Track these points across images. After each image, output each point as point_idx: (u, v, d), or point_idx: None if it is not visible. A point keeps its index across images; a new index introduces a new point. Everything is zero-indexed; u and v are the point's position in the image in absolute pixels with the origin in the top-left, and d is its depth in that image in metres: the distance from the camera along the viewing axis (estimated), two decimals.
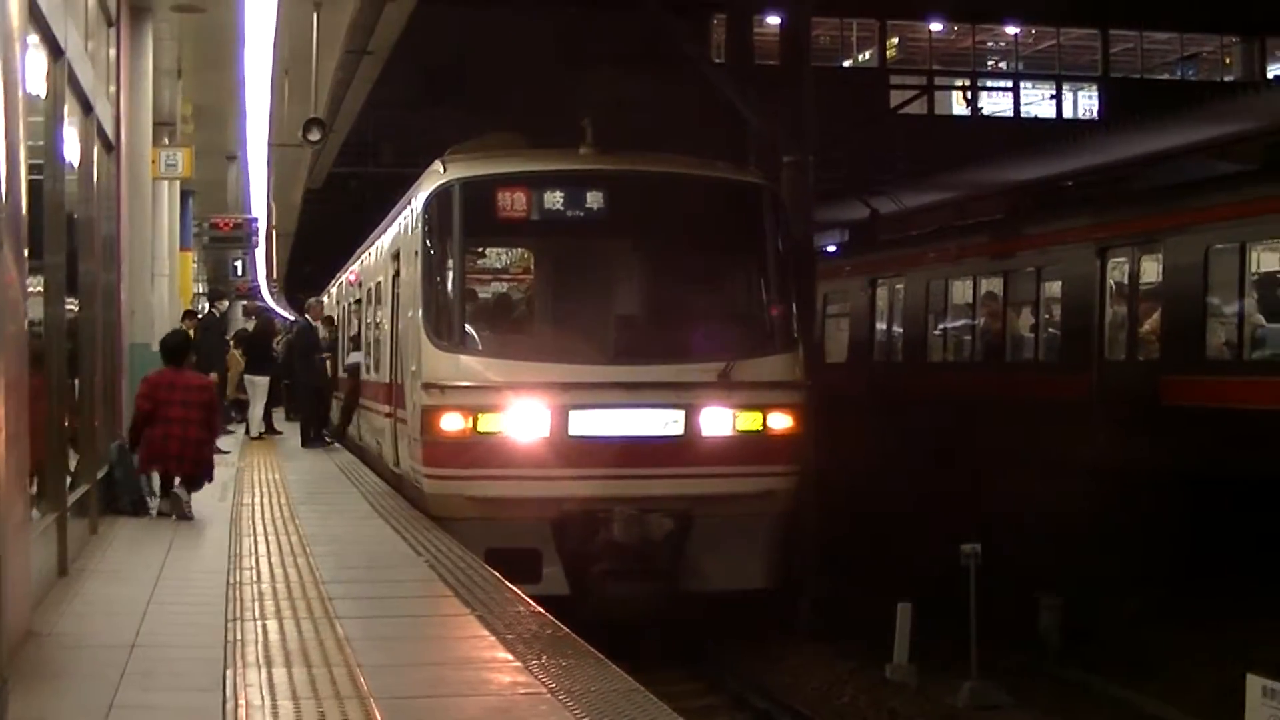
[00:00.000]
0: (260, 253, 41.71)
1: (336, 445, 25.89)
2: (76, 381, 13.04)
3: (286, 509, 16.16)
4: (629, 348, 15.92)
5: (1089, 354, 20.33)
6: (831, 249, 34.51)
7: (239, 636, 9.11)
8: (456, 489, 15.42)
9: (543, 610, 10.24)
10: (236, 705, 7.41)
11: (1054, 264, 21.71)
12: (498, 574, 11.87)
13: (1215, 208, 18.42)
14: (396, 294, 18.80)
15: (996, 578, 15.97)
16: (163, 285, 21.36)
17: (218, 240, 33.26)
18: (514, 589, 11.19)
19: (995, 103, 59.87)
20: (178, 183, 23.98)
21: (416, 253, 16.48)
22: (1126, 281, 19.95)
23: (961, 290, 25.03)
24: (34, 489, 9.65)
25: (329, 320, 29.10)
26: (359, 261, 26.53)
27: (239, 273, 44.35)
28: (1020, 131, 52.06)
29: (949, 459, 22.15)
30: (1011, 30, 60.07)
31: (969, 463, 21.53)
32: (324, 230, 50.30)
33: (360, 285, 25.46)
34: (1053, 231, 22.00)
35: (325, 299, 32.02)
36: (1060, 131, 46.88)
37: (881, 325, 27.75)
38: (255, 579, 11.39)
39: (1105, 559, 17.96)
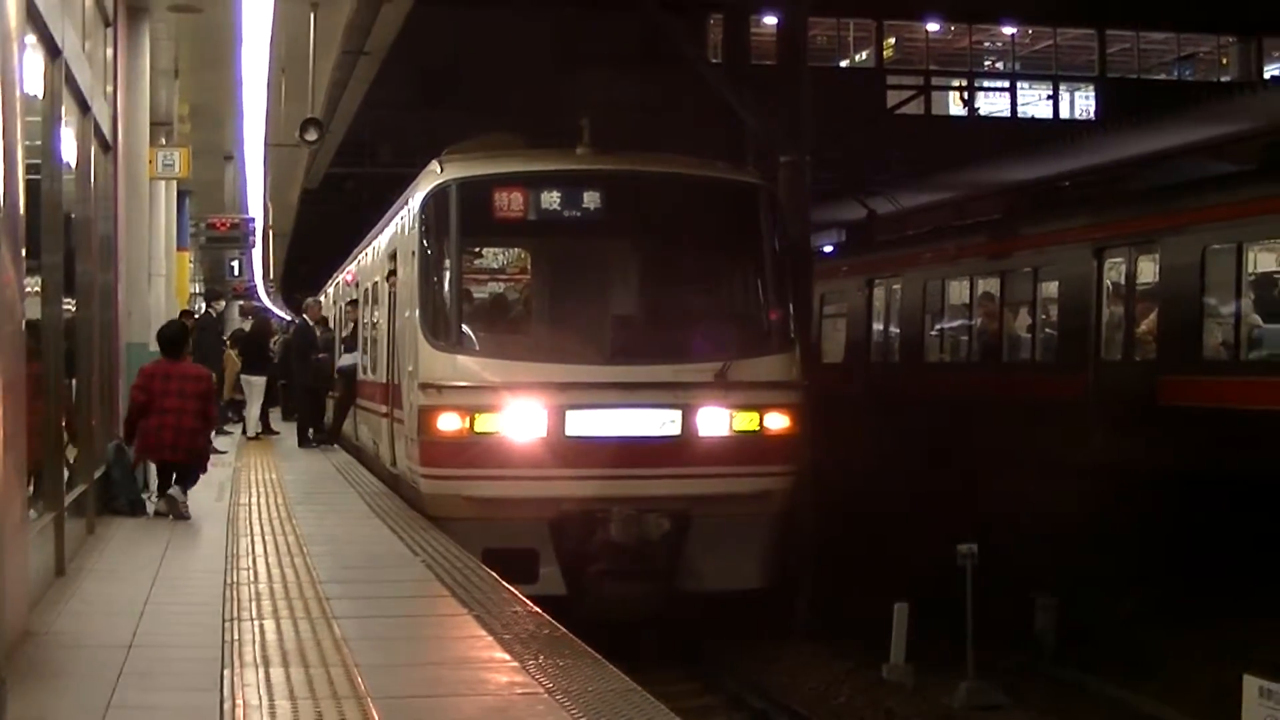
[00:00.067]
0: (257, 253, 41.68)
1: (333, 446, 25.86)
2: (74, 381, 13.04)
3: (284, 509, 16.16)
4: (626, 348, 15.91)
5: (1086, 354, 20.33)
6: (828, 249, 34.55)
7: (236, 636, 9.12)
8: (453, 489, 15.42)
9: (540, 610, 10.24)
10: (234, 705, 7.41)
11: (1051, 264, 21.71)
12: (495, 574, 11.87)
13: (1212, 208, 18.43)
14: (393, 294, 18.81)
15: (993, 578, 15.97)
16: (160, 285, 21.34)
17: (215, 240, 33.22)
18: (511, 589, 11.20)
19: (992, 103, 59.86)
20: (175, 183, 23.95)
21: (413, 253, 16.48)
22: (1123, 282, 19.95)
23: (958, 290, 25.04)
24: (31, 489, 9.65)
25: (324, 321, 29.08)
26: (356, 262, 26.52)
27: (236, 273, 44.30)
28: (1017, 132, 52.08)
29: (946, 459, 22.16)
30: (1008, 30, 60.07)
31: (966, 463, 21.54)
32: (321, 230, 50.29)
33: (357, 285, 25.46)
34: (1049, 232, 22.00)
35: (322, 299, 31.99)
36: (1057, 132, 46.91)
37: (878, 326, 27.77)
38: (253, 579, 11.39)
39: (1102, 559, 17.97)
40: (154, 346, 16.42)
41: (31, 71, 10.03)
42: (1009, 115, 58.67)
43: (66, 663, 8.68)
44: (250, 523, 14.88)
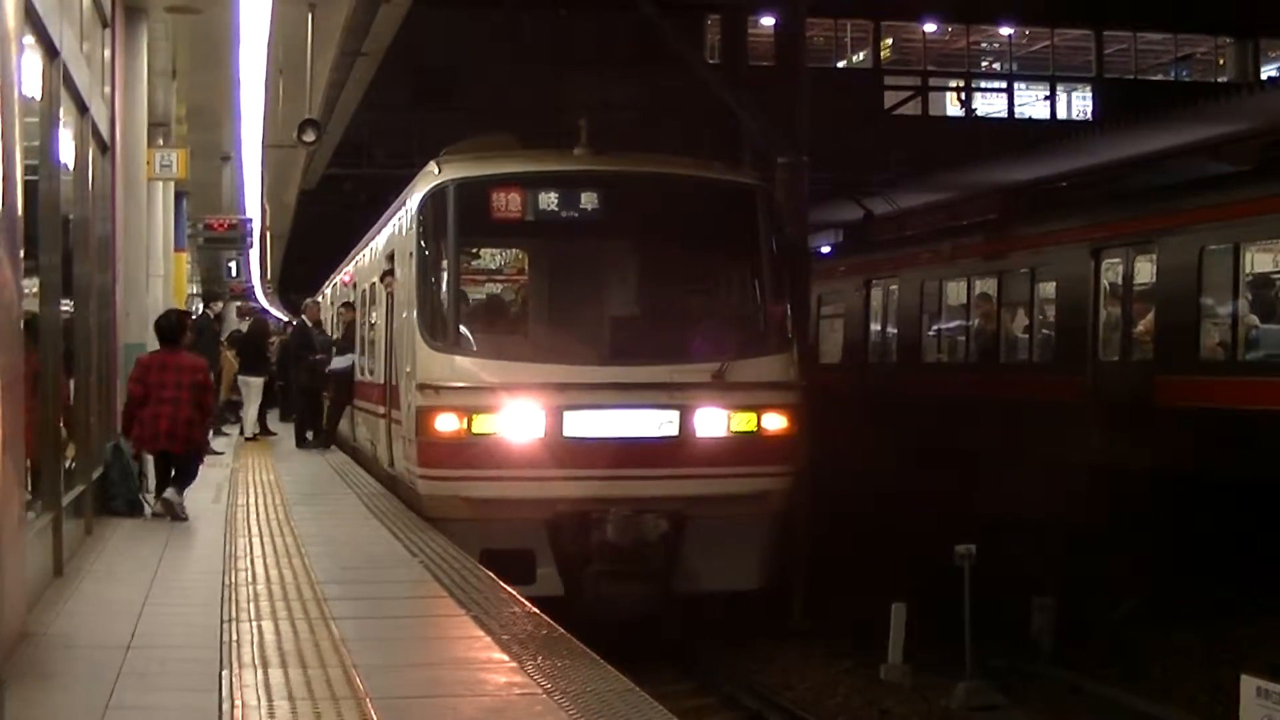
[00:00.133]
0: (254, 254, 41.71)
1: (329, 447, 25.83)
2: (72, 382, 13.04)
3: (281, 510, 16.16)
4: (623, 348, 15.91)
5: (1083, 355, 20.35)
6: (826, 250, 34.56)
7: (235, 637, 9.12)
8: (451, 490, 15.43)
9: (538, 611, 10.25)
10: (233, 706, 7.41)
11: (1048, 265, 21.73)
12: (492, 574, 11.88)
13: (1209, 209, 18.45)
14: (391, 295, 18.83)
15: (991, 578, 15.97)
16: (157, 286, 21.32)
17: (212, 241, 33.24)
18: (509, 589, 11.20)
19: (989, 103, 59.92)
20: (172, 183, 23.95)
21: (411, 253, 16.48)
22: (1120, 282, 19.98)
23: (956, 291, 25.06)
24: (29, 489, 9.65)
25: (321, 322, 29.06)
26: (353, 263, 26.53)
27: (233, 274, 44.30)
28: (1014, 132, 52.16)
29: (943, 459, 22.17)
30: (1006, 31, 60.14)
31: (963, 463, 21.54)
32: (318, 231, 50.26)
33: (355, 287, 25.46)
34: (1047, 232, 22.02)
35: (320, 300, 31.99)
36: (1054, 132, 46.95)
37: (876, 326, 27.79)
38: (250, 580, 11.39)
39: (1099, 559, 17.98)
40: (152, 347, 16.40)
41: (30, 72, 10.04)
42: (1006, 116, 58.74)
43: (65, 664, 8.68)
44: (248, 524, 14.87)
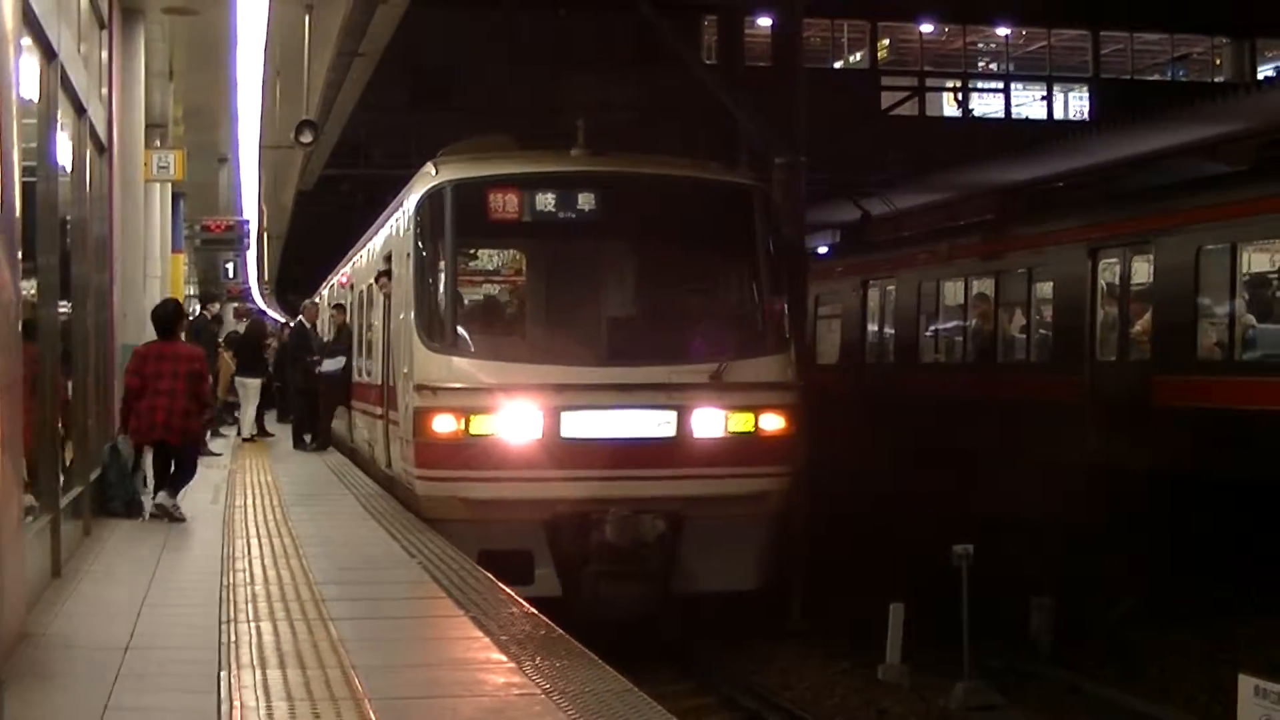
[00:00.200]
0: (251, 255, 41.69)
1: (327, 449, 25.82)
2: (69, 383, 13.04)
3: (279, 511, 16.16)
4: (621, 349, 15.91)
5: (1081, 355, 20.35)
6: (823, 250, 34.58)
7: (233, 638, 9.12)
8: (449, 491, 15.43)
9: (536, 611, 10.25)
10: (231, 707, 7.41)
11: (1045, 265, 21.74)
12: (491, 575, 11.88)
13: (1206, 209, 18.45)
14: (386, 296, 18.85)
15: (989, 579, 15.98)
16: (154, 287, 21.32)
17: (209, 242, 33.24)
18: (507, 590, 11.21)
19: (986, 104, 59.95)
20: (169, 185, 23.95)
21: (409, 254, 16.49)
22: (1118, 282, 19.98)
23: (953, 291, 25.06)
24: (28, 490, 9.65)
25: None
26: (350, 264, 26.52)
27: (230, 275, 44.31)
28: (1011, 132, 52.19)
29: (941, 460, 22.17)
30: (1002, 31, 60.16)
31: (961, 463, 21.55)
32: (315, 232, 50.29)
33: (352, 288, 25.46)
34: (1044, 232, 22.03)
35: (318, 301, 31.98)
36: (1051, 132, 46.99)
37: (873, 327, 27.79)
38: (249, 581, 11.39)
39: (1097, 559, 17.99)
40: None
41: (27, 74, 10.04)
42: (1003, 116, 58.78)
43: (63, 664, 8.68)
44: (246, 525, 14.87)
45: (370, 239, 22.34)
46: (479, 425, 15.20)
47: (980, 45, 61.96)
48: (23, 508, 9.13)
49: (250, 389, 26.97)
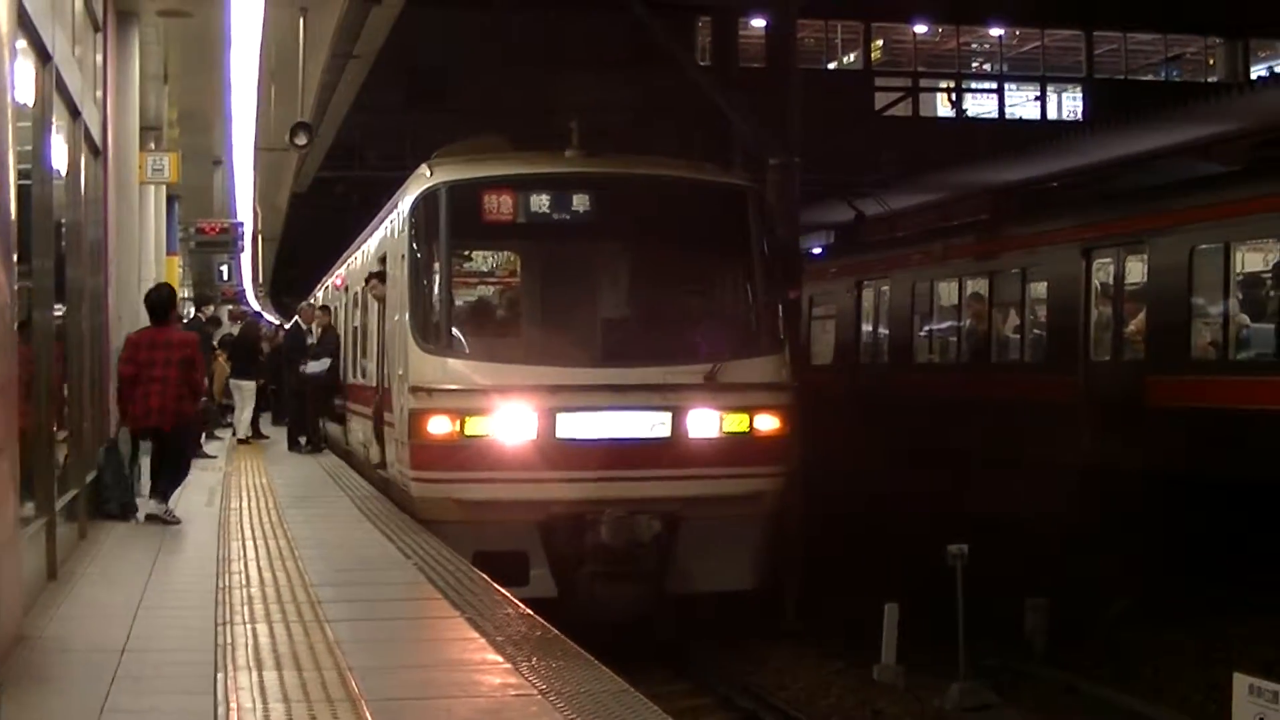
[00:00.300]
0: (246, 257, 41.66)
1: (322, 450, 25.82)
2: (65, 385, 13.04)
3: (274, 513, 16.16)
4: (616, 350, 15.92)
5: (1075, 355, 20.38)
6: (817, 251, 34.58)
7: (229, 640, 9.12)
8: (444, 492, 15.44)
9: (532, 612, 10.26)
10: (228, 709, 7.42)
11: (1039, 265, 21.76)
12: (486, 576, 11.88)
13: (1200, 208, 18.48)
14: (379, 299, 18.86)
15: (983, 579, 16.00)
16: None
17: (204, 245, 33.17)
18: (503, 591, 11.22)
19: (980, 104, 59.96)
20: (164, 187, 23.95)
21: (403, 256, 16.50)
22: (1112, 282, 20.01)
23: (947, 292, 25.08)
24: (23, 493, 9.66)
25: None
26: (345, 266, 26.52)
27: (225, 277, 44.29)
28: (1005, 133, 52.14)
29: (935, 460, 22.19)
30: (996, 32, 60.15)
31: (955, 464, 21.57)
32: (310, 234, 50.23)
33: (347, 289, 25.46)
34: (1038, 233, 22.06)
35: (314, 302, 31.97)
36: (1045, 133, 46.94)
37: (867, 327, 27.81)
38: (244, 583, 11.39)
39: (1092, 559, 18.01)
40: None
41: (22, 77, 10.05)
42: (997, 116, 58.75)
43: (60, 667, 8.69)
44: (241, 527, 14.88)
45: (365, 241, 22.34)
46: (474, 427, 15.21)
47: (974, 46, 61.94)
48: (18, 511, 9.13)
49: (245, 391, 26.97)
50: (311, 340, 26.50)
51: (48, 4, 10.95)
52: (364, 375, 21.30)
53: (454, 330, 16.06)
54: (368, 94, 31.99)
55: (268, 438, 28.15)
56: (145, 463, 15.78)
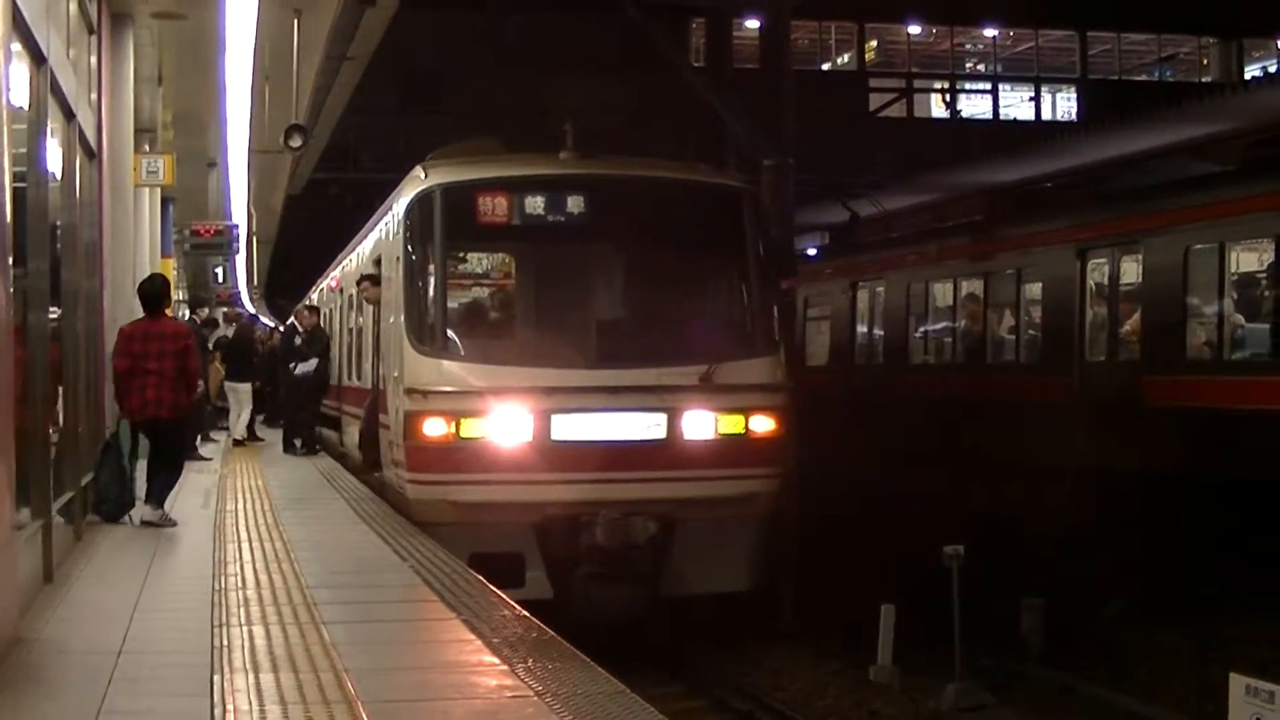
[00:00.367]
0: (240, 259, 41.65)
1: (317, 452, 25.81)
2: (60, 388, 13.02)
3: (270, 515, 16.15)
4: (611, 352, 15.93)
5: (1070, 355, 20.39)
6: (812, 252, 34.60)
7: (226, 642, 9.12)
8: (440, 494, 15.44)
9: (528, 614, 10.26)
10: (225, 711, 7.42)
11: (1034, 265, 21.77)
12: (482, 578, 11.88)
13: (1194, 208, 18.49)
14: (373, 303, 18.87)
15: (979, 579, 16.02)
16: None
17: (199, 247, 33.20)
18: (499, 593, 11.22)
19: (974, 105, 60.00)
20: (159, 189, 23.94)
21: (398, 258, 16.50)
22: (1107, 283, 20.01)
23: (942, 292, 25.09)
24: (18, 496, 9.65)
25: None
26: (340, 267, 26.52)
27: (219, 279, 44.27)
28: (999, 133, 52.19)
29: (931, 461, 22.20)
30: (990, 32, 60.19)
31: (951, 465, 21.58)
32: (305, 236, 50.21)
33: (341, 291, 25.45)
34: (1032, 233, 22.07)
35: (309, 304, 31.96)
36: (1039, 133, 46.96)
37: (862, 328, 27.81)
38: (240, 585, 11.38)
39: (1087, 560, 18.02)
40: None
41: (17, 79, 10.04)
42: (991, 117, 58.79)
43: (57, 669, 8.68)
44: (237, 529, 14.85)
45: (360, 243, 22.34)
46: (469, 428, 15.22)
47: (968, 46, 61.97)
48: (14, 513, 9.13)
49: (241, 394, 26.94)
50: (299, 341, 26.48)
51: (42, 7, 10.95)
52: (359, 377, 21.28)
53: (449, 332, 16.06)
54: (362, 96, 31.94)
55: (263, 440, 28.13)
56: (144, 463, 15.76)
